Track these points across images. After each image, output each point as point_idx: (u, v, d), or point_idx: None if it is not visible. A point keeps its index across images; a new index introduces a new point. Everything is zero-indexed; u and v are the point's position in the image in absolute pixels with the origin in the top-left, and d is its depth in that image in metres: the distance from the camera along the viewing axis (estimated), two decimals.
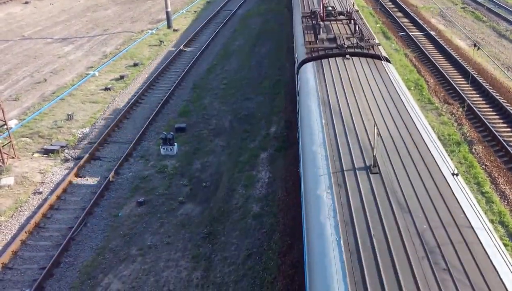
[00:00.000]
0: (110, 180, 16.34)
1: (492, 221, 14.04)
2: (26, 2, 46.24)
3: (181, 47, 30.64)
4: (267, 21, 37.78)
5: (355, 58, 14.57)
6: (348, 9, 19.59)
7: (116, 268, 12.71)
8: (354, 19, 18.21)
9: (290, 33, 30.31)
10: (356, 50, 15.11)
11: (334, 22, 18.38)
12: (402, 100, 11.80)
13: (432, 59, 27.20)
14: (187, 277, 12.34)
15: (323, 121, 10.77)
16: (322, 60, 14.51)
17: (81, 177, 16.85)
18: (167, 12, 35.72)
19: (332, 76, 13.30)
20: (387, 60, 15.05)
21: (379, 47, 15.84)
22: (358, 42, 15.53)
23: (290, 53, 26.97)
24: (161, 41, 32.57)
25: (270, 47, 31.25)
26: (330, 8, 19.42)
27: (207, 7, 44.18)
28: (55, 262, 12.77)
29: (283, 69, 26.93)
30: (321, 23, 17.57)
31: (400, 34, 32.91)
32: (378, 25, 34.75)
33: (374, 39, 16.43)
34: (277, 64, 27.87)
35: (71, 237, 13.71)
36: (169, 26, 36.05)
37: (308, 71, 13.97)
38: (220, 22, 37.88)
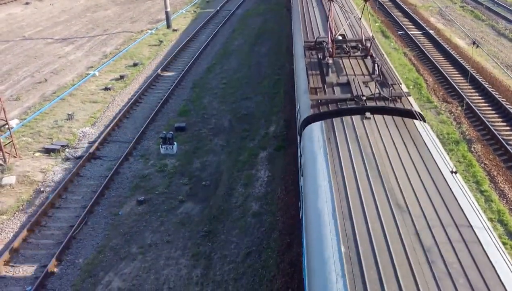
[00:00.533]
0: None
1: (491, 220, 14.13)
2: (27, 3, 46.34)
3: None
4: (266, 21, 37.88)
5: (378, 117, 10.83)
6: (363, 39, 15.37)
7: (117, 266, 12.82)
8: (371, 55, 14.22)
9: (290, 32, 30.31)
10: (379, 103, 11.47)
11: (347, 57, 14.35)
12: (454, 195, 8.14)
13: (431, 58, 27.29)
14: (187, 275, 12.45)
15: (341, 241, 7.17)
16: (334, 119, 10.90)
17: (81, 176, 16.95)
18: (166, 12, 35.82)
19: (348, 147, 9.70)
20: (422, 118, 11.22)
21: (409, 98, 11.96)
22: (381, 91, 11.77)
23: (289, 54, 27.06)
24: (160, 41, 32.69)
25: (270, 47, 31.34)
26: (340, 37, 15.64)
27: (207, 7, 44.27)
28: (57, 260, 12.89)
29: (283, 69, 27.02)
30: (330, 60, 13.57)
31: (399, 33, 33.01)
32: (377, 24, 34.85)
33: (400, 84, 12.43)
34: (277, 63, 27.97)
35: (72, 235, 13.82)
36: (168, 26, 36.15)
37: (315, 136, 10.47)
38: (219, 22, 37.97)
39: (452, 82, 23.71)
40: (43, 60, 29.58)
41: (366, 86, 12.31)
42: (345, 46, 14.71)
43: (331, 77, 12.85)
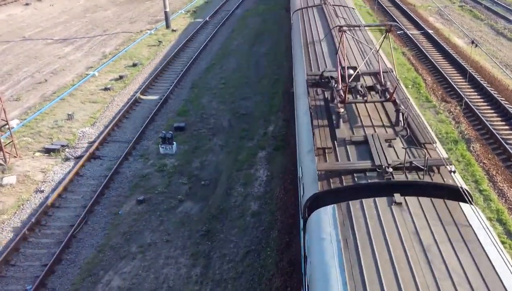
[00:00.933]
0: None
1: (490, 219, 14.17)
2: (27, 4, 46.40)
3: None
4: (265, 21, 37.94)
5: (412, 201, 7.91)
6: (381, 75, 12.23)
7: (117, 265, 12.89)
8: (394, 101, 11.03)
9: (289, 32, 30.23)
10: (410, 175, 8.57)
11: (362, 102, 11.31)
12: None
13: (430, 58, 27.35)
14: (187, 274, 12.51)
15: None
16: (351, 202, 8.03)
17: (81, 176, 17.02)
18: (165, 13, 35.87)
19: (374, 256, 6.88)
20: (470, 199, 8.14)
21: (451, 168, 8.70)
22: (411, 156, 9.02)
23: (288, 52, 27.10)
24: (159, 42, 32.76)
25: (269, 46, 31.40)
26: (351, 71, 12.43)
27: (206, 7, 44.33)
28: (57, 259, 12.97)
29: (281, 68, 27.09)
30: (341, 109, 10.64)
31: (397, 32, 33.07)
32: None
33: (435, 143, 9.61)
34: (275, 63, 28.04)
35: (72, 235, 13.89)
36: (167, 27, 36.20)
37: (326, 232, 7.59)
38: (218, 22, 38.01)
39: (451, 82, 23.78)
40: (43, 61, 29.65)
41: (389, 145, 9.52)
42: (360, 88, 11.63)
43: (343, 131, 10.26)
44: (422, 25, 33.66)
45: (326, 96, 12.05)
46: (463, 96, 21.95)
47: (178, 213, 14.94)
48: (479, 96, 22.40)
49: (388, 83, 11.87)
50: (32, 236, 14.05)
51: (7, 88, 25.34)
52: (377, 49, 14.12)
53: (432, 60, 26.97)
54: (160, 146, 18.34)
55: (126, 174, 17.12)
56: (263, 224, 14.26)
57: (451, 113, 20.96)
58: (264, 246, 13.37)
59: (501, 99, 21.29)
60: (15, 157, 18.16)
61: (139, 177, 16.84)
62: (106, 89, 24.78)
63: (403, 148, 9.31)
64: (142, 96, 23.50)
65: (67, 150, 18.78)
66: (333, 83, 11.99)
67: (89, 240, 13.93)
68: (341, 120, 10.51)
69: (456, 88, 23.00)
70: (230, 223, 14.37)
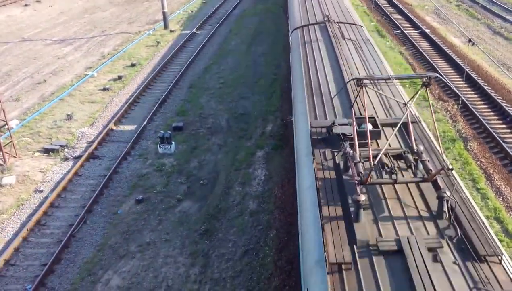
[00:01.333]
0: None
1: (487, 217, 14.26)
2: (26, 5, 46.45)
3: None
4: (262, 21, 38.01)
5: None
6: (413, 140, 8.74)
7: (116, 264, 12.96)
8: (436, 182, 7.99)
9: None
10: None
11: (390, 183, 7.86)
12: None
13: (427, 57, 27.45)
14: (185, 273, 12.59)
15: None
16: None
17: (80, 176, 17.09)
18: (163, 13, 35.93)
19: None
20: None
21: None
22: (472, 284, 6.11)
23: (286, 53, 27.16)
24: (158, 42, 32.82)
25: (266, 46, 31.48)
26: (370, 127, 9.15)
27: (203, 7, 44.40)
28: (56, 259, 13.04)
29: (279, 68, 27.17)
30: (362, 197, 7.33)
31: (394, 32, 33.18)
32: (372, 23, 34.99)
33: (500, 255, 6.53)
34: (274, 62, 28.12)
35: (71, 234, 13.96)
36: (165, 27, 36.27)
37: None
38: (216, 22, 38.08)
39: (448, 81, 23.86)
40: (42, 61, 29.71)
41: (435, 259, 6.51)
42: (385, 159, 8.31)
43: (365, 230, 7.15)
44: (419, 25, 33.75)
45: (337, 161, 9.01)
46: (460, 95, 22.06)
47: (176, 212, 15.02)
48: (476, 95, 22.50)
49: (422, 148, 8.52)
50: (31, 235, 14.10)
51: (6, 89, 25.40)
52: (406, 101, 10.07)
53: (429, 59, 27.06)
54: (158, 145, 18.42)
55: (125, 174, 17.19)
56: (262, 223, 14.34)
57: (448, 112, 21.06)
58: (262, 245, 13.45)
59: (498, 98, 21.39)
60: (14, 157, 18.23)
61: (138, 177, 16.92)
62: (105, 89, 24.85)
63: (454, 262, 6.40)
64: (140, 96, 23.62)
65: (66, 150, 18.85)
66: (347, 148, 8.59)
67: (88, 239, 14.01)
68: (361, 210, 7.40)
69: (453, 87, 23.10)
70: (229, 222, 14.45)
